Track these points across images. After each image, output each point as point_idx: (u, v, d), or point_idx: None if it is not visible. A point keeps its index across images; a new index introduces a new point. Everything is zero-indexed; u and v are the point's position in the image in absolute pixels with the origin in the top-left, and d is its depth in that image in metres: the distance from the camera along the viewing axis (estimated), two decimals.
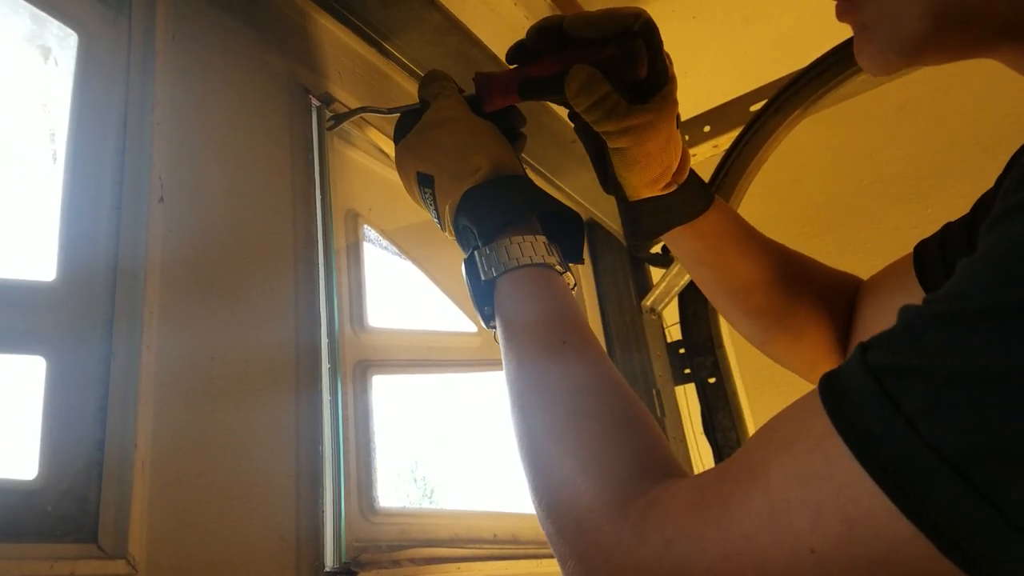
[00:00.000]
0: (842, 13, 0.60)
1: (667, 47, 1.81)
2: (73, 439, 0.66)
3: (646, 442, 0.58)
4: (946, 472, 0.34)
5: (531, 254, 0.69)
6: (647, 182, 0.87)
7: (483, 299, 0.72)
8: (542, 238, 0.72)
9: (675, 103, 0.85)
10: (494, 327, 0.71)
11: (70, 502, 0.64)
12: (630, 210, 0.90)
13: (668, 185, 0.88)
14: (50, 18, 0.75)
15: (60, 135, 0.72)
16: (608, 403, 0.60)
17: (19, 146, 0.70)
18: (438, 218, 0.82)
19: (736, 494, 0.43)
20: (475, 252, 0.72)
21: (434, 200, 0.81)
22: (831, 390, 0.41)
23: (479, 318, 0.75)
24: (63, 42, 0.76)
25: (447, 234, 0.82)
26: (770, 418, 0.47)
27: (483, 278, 0.70)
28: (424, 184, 0.82)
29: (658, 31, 0.83)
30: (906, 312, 0.41)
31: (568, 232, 0.80)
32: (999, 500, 0.33)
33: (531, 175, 1.56)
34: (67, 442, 0.65)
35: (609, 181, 0.91)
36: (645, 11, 0.83)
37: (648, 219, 0.90)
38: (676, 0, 1.83)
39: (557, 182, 1.58)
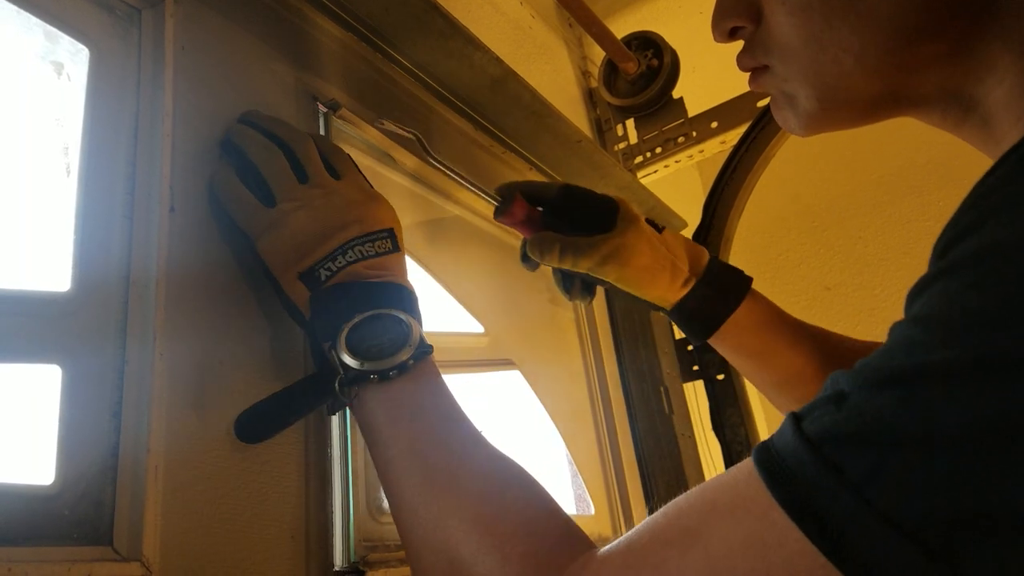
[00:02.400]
0: (752, 85, 0.62)
1: (674, 43, 1.83)
2: (88, 445, 0.68)
3: (560, 518, 0.58)
4: (897, 539, 0.33)
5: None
6: (664, 290, 0.91)
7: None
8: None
9: (636, 216, 0.92)
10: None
11: (86, 506, 0.66)
12: (677, 319, 0.94)
13: (688, 280, 0.92)
14: (62, 34, 0.77)
15: (73, 149, 0.74)
16: (507, 486, 0.62)
17: (34, 161, 0.72)
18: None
19: (672, 559, 0.41)
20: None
21: None
22: (768, 463, 0.40)
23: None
24: (75, 57, 0.78)
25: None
26: (704, 483, 0.46)
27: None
28: None
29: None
30: (836, 378, 0.40)
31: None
32: (956, 563, 0.33)
33: (536, 175, 1.58)
34: (82, 448, 0.67)
35: (645, 303, 0.94)
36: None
37: (694, 322, 0.93)
38: None
39: (563, 181, 1.59)
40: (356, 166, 0.84)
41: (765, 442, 0.42)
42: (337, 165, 0.81)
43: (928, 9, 0.46)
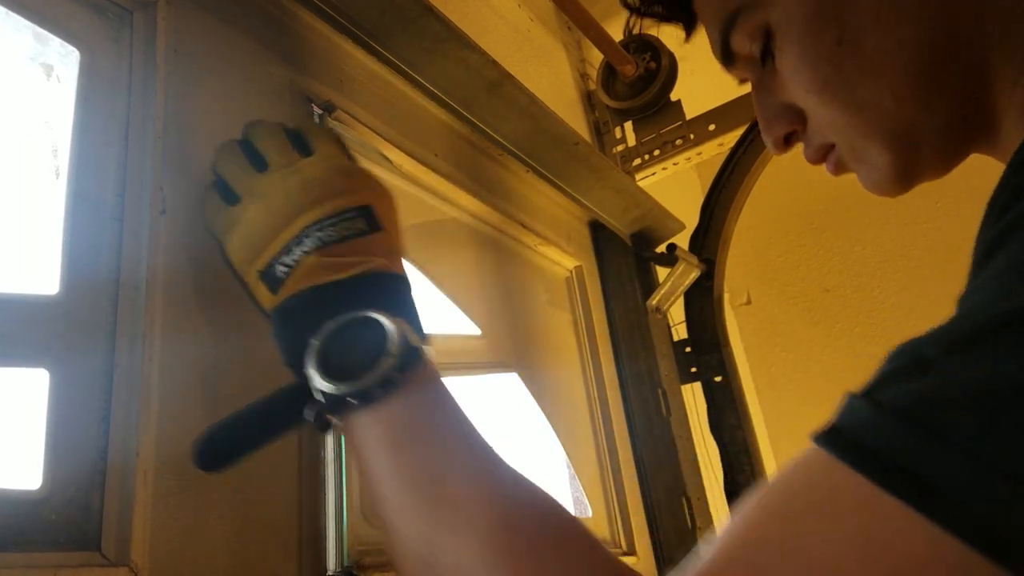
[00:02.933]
0: (835, 172, 0.60)
1: (672, 46, 1.83)
2: (76, 449, 0.67)
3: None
4: None
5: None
6: None
7: None
8: None
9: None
10: None
11: (74, 511, 0.65)
12: None
13: None
14: (52, 36, 0.77)
15: (63, 151, 0.74)
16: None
17: (22, 163, 0.71)
18: None
19: None
20: None
21: None
22: (850, 446, 0.36)
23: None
24: (65, 59, 0.77)
25: None
26: (761, 496, 0.40)
27: None
28: None
29: None
30: (911, 348, 0.38)
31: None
32: None
33: (533, 178, 1.57)
34: (70, 452, 0.67)
35: None
36: None
37: None
38: None
39: (561, 184, 1.58)
40: (340, 142, 0.73)
41: (829, 429, 0.38)
42: (312, 142, 0.70)
43: (925, 32, 0.48)
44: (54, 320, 0.69)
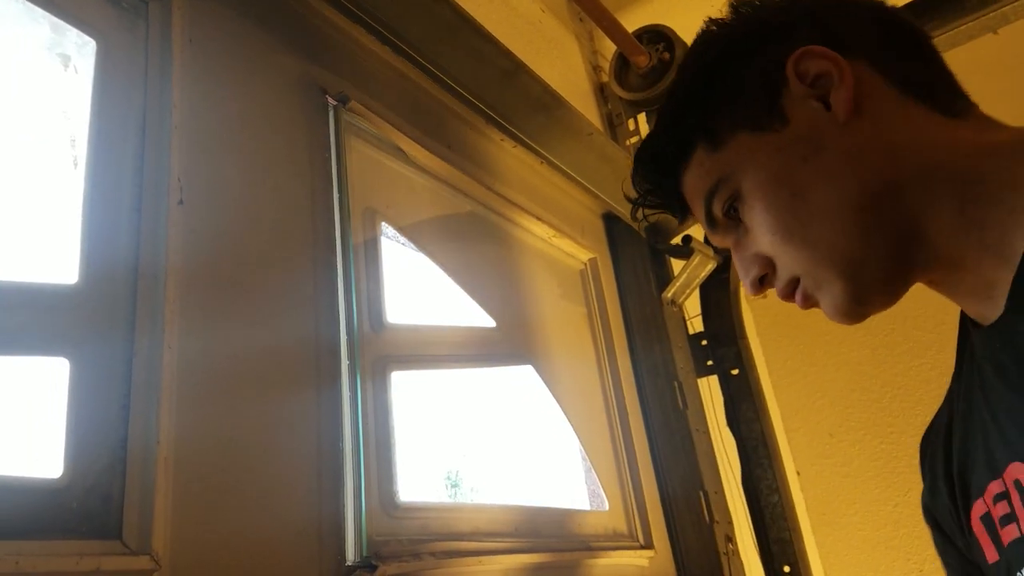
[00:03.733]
0: (804, 305, 0.68)
1: (685, 36, 1.80)
2: (97, 438, 0.67)
3: None
4: None
5: None
6: None
7: None
8: None
9: None
10: None
11: (94, 499, 0.65)
12: None
13: None
14: (69, 26, 0.77)
15: (80, 141, 0.74)
16: None
17: (41, 153, 0.71)
18: None
19: None
20: None
21: None
22: None
23: None
24: (82, 49, 0.77)
25: None
26: None
27: None
28: None
29: None
30: None
31: None
32: None
33: (547, 169, 1.57)
34: (91, 441, 0.67)
35: None
36: None
37: None
38: None
39: (575, 175, 1.58)
40: None
41: None
42: None
43: (855, 184, 0.61)
44: (74, 309, 0.69)
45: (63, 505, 0.63)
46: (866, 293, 0.63)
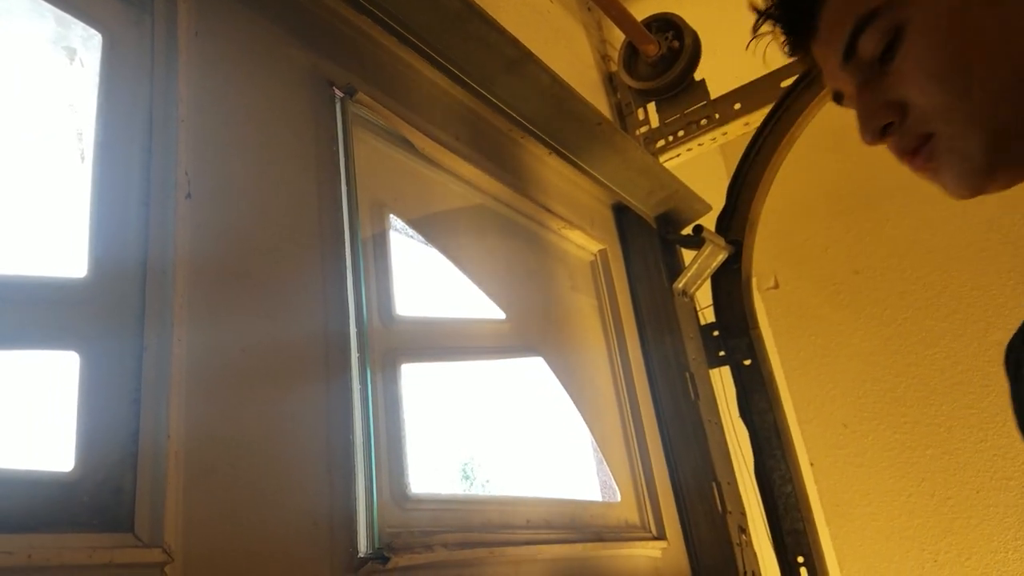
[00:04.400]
0: (916, 169, 0.64)
1: (696, 24, 1.78)
2: (108, 432, 0.67)
3: None
4: None
5: None
6: None
7: None
8: None
9: None
10: None
11: (106, 493, 0.65)
12: None
13: None
14: (74, 20, 0.77)
15: (87, 134, 0.73)
16: None
17: (48, 146, 0.71)
18: None
19: None
20: None
21: None
22: None
23: None
24: (87, 43, 0.77)
25: None
26: None
27: None
28: None
29: None
30: None
31: None
32: None
33: (556, 160, 1.56)
34: (102, 435, 0.67)
35: None
36: None
37: None
38: None
39: (584, 166, 1.56)
40: None
41: None
42: None
43: None
44: (83, 303, 0.69)
45: (75, 499, 0.63)
46: (1000, 167, 0.59)
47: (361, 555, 0.87)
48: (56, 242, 0.71)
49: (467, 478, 1.81)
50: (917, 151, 0.62)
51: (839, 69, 0.65)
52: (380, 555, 0.87)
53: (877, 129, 0.64)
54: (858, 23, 0.61)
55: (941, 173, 0.62)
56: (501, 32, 1.21)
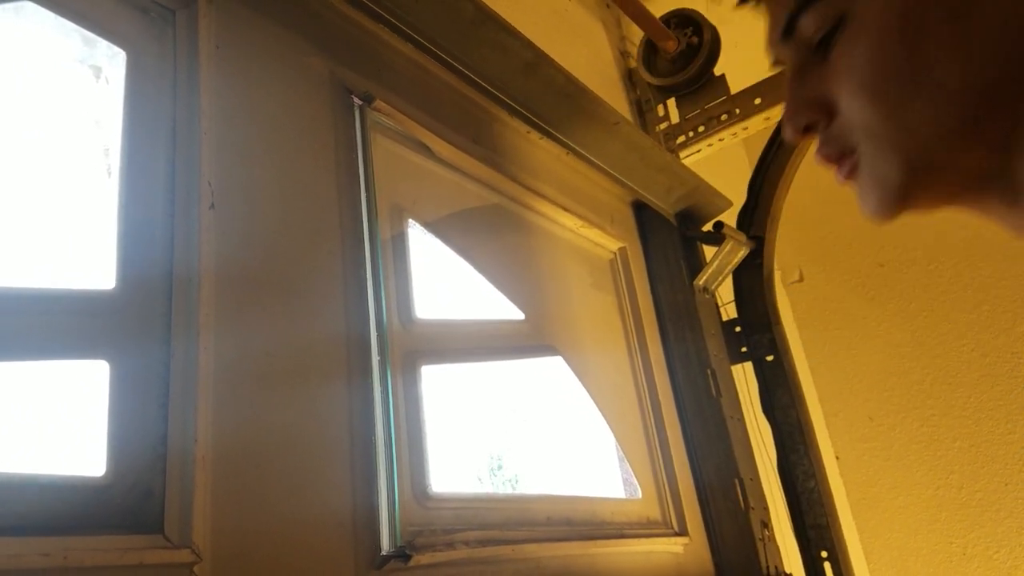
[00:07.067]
0: (840, 179, 0.60)
1: (714, 19, 1.77)
2: (137, 437, 0.70)
3: None
4: None
5: None
6: None
7: None
8: None
9: None
10: None
11: (137, 496, 0.68)
12: None
13: None
14: (100, 39, 0.79)
15: (114, 150, 0.76)
16: None
17: (76, 163, 0.74)
18: None
19: None
20: None
21: None
22: None
23: None
24: (112, 60, 0.80)
25: None
26: None
27: None
28: None
29: None
30: None
31: None
32: None
33: (574, 160, 1.56)
34: (132, 440, 0.69)
35: None
36: None
37: None
38: None
39: (600, 164, 1.57)
40: None
41: None
42: None
43: (994, 82, 0.49)
44: (112, 313, 0.71)
45: (107, 502, 0.66)
46: (916, 199, 0.55)
47: (384, 553, 0.89)
48: (86, 256, 0.73)
49: (494, 476, 1.83)
50: (839, 160, 0.58)
51: (779, 41, 0.60)
52: (402, 553, 0.90)
53: (799, 127, 0.59)
54: (801, 1, 0.56)
55: (861, 194, 0.58)
56: (516, 35, 1.22)
